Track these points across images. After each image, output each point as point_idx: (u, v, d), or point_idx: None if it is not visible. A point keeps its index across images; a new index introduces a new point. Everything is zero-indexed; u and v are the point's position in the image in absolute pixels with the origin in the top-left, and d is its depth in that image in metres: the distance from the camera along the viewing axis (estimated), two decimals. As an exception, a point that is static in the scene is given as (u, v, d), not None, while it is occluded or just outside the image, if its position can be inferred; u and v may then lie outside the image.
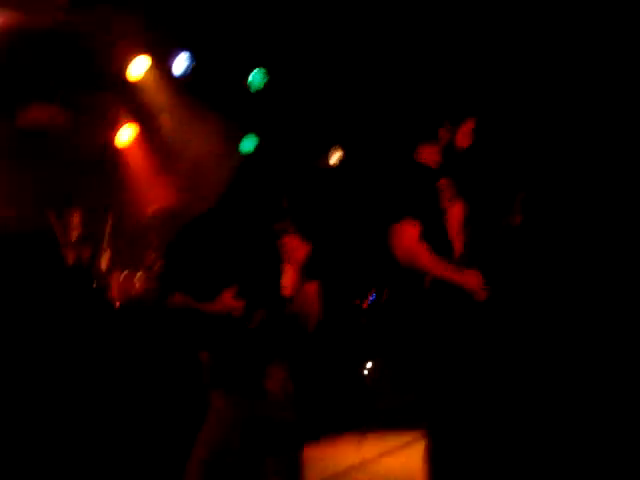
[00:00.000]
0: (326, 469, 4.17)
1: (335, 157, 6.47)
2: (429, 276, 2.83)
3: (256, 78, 5.94)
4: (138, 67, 5.53)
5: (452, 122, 2.95)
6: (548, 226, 4.25)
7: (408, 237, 2.79)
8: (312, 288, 3.03)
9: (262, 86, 6.01)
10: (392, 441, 4.53)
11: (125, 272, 5.13)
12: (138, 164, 5.78)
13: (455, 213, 3.01)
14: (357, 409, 5.23)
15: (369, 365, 5.84)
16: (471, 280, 2.82)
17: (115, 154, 5.84)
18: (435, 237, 2.89)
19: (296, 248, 3.02)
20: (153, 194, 5.80)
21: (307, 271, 3.04)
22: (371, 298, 6.24)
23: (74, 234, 5.57)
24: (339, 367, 5.64)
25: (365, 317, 6.07)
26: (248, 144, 6.13)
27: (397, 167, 3.09)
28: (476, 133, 3.04)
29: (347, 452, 4.47)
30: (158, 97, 5.67)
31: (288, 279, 3.00)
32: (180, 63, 5.64)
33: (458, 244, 2.97)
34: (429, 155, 3.02)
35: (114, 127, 5.75)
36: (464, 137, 2.99)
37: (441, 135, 2.97)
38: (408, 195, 2.91)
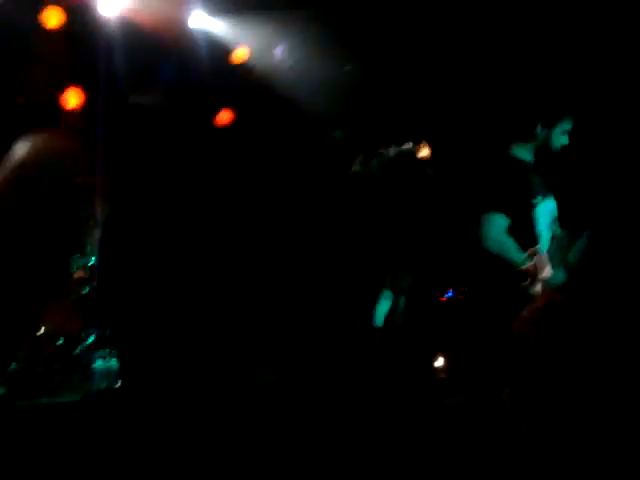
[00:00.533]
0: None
1: (424, 151, 6.49)
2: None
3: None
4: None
5: (547, 124, 2.99)
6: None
7: (495, 228, 2.89)
8: None
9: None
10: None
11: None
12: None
13: (544, 209, 3.05)
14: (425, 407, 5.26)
15: (440, 361, 5.85)
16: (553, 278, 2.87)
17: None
18: (522, 231, 2.97)
19: None
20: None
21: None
22: (449, 293, 6.26)
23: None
24: (410, 361, 5.68)
25: (443, 312, 6.09)
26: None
27: (490, 160, 3.15)
28: (572, 136, 3.06)
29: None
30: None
31: None
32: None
33: (546, 238, 3.03)
34: (521, 152, 3.08)
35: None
36: (559, 138, 3.02)
37: (536, 135, 3.02)
38: (499, 187, 2.98)
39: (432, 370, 5.87)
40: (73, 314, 4.67)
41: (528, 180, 3.02)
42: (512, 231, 2.93)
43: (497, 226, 2.90)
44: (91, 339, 4.85)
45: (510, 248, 2.90)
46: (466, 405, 5.30)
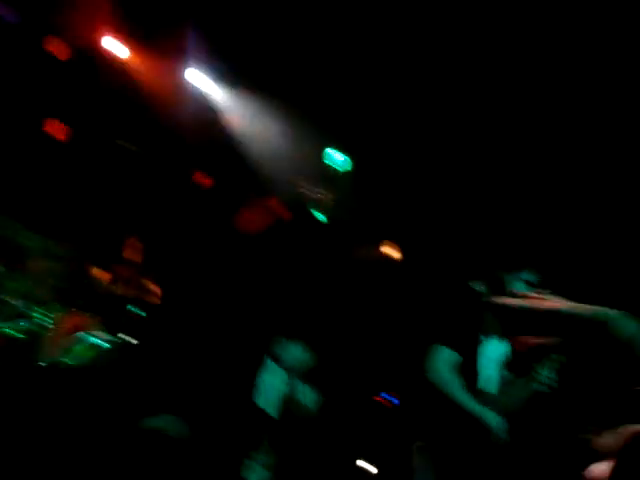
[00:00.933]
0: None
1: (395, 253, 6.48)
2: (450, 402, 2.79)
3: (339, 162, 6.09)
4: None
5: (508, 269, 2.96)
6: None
7: (441, 361, 2.81)
8: None
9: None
10: None
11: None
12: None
13: (493, 349, 2.97)
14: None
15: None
16: (491, 421, 2.76)
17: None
18: (467, 366, 2.87)
19: None
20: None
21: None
22: (391, 399, 6.13)
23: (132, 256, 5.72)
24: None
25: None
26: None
27: (444, 289, 3.11)
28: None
29: None
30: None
31: None
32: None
33: (493, 378, 2.93)
34: (477, 286, 3.03)
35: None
36: (516, 284, 2.97)
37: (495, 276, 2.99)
38: (452, 318, 2.91)
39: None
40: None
41: (481, 315, 2.95)
42: (460, 367, 2.85)
43: (443, 360, 2.82)
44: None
45: (453, 385, 2.79)
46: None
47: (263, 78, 5.42)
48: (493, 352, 2.97)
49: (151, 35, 5.29)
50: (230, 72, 5.60)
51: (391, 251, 6.18)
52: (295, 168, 5.88)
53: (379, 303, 5.78)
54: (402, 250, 6.16)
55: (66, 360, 4.56)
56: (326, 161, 6.09)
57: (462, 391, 2.78)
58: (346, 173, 6.17)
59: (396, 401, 6.20)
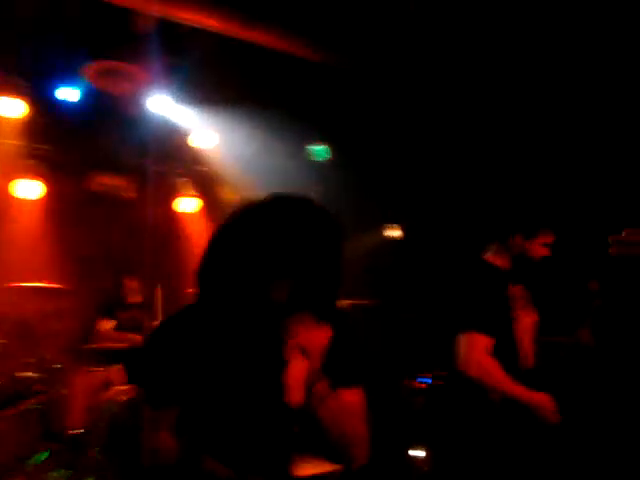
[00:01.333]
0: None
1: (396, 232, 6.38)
2: (497, 393, 2.67)
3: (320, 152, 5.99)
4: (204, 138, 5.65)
5: (526, 235, 2.83)
6: (623, 344, 4.01)
7: (479, 350, 2.66)
8: (354, 397, 1.80)
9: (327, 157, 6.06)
10: None
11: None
12: (197, 234, 5.83)
13: (526, 323, 2.86)
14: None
15: (419, 453, 5.56)
16: (543, 402, 2.65)
17: (176, 223, 5.92)
18: (503, 348, 2.75)
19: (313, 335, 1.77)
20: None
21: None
22: (425, 380, 6.02)
23: (133, 298, 5.61)
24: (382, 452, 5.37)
25: (420, 398, 5.84)
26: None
27: (466, 266, 2.96)
28: (552, 247, 2.89)
29: None
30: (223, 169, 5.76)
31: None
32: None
33: (528, 357, 2.81)
34: (498, 259, 2.89)
35: (177, 196, 5.87)
36: (538, 249, 2.85)
37: (512, 244, 2.85)
38: (478, 299, 2.78)
39: (409, 462, 5.58)
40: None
41: (508, 290, 2.83)
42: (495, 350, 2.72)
43: (478, 348, 2.68)
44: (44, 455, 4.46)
45: (493, 373, 2.67)
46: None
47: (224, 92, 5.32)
48: (525, 327, 2.87)
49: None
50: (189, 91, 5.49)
51: (394, 233, 6.10)
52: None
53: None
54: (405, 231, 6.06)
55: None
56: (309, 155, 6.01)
57: (507, 379, 2.67)
58: (328, 161, 6.09)
59: (429, 380, 6.09)
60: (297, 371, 1.69)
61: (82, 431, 4.60)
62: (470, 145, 5.20)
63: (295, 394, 1.70)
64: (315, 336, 1.69)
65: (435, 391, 5.92)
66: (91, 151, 5.33)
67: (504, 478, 2.68)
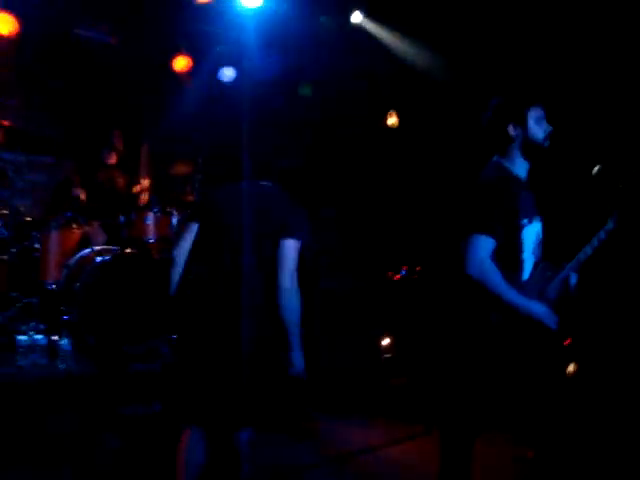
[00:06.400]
0: (332, 447, 4.12)
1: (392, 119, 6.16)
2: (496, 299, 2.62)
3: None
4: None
5: (515, 118, 2.69)
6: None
7: (483, 252, 2.58)
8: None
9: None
10: (400, 430, 4.43)
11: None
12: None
13: (532, 232, 2.77)
14: (370, 386, 5.12)
15: (387, 341, 5.69)
16: (542, 312, 2.62)
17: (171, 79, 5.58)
18: (506, 255, 2.67)
19: None
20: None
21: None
22: (402, 272, 6.07)
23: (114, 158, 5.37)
24: (356, 339, 5.48)
25: (395, 290, 5.91)
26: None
27: (481, 164, 2.83)
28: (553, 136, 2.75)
29: (355, 434, 4.37)
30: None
31: None
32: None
33: (529, 264, 2.75)
34: (511, 158, 2.76)
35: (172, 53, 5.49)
36: (536, 129, 2.71)
37: (512, 136, 2.71)
38: (490, 202, 2.67)
39: (378, 349, 5.72)
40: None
41: (518, 199, 2.72)
42: (497, 255, 2.65)
43: (483, 249, 2.60)
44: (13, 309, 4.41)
45: (494, 276, 2.60)
46: (410, 385, 5.25)
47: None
48: (530, 236, 2.78)
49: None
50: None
51: (395, 121, 5.88)
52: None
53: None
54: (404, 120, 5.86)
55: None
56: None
57: (506, 284, 2.61)
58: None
59: (403, 272, 6.14)
60: None
61: (55, 287, 4.54)
62: None
63: None
64: None
65: (409, 284, 6.01)
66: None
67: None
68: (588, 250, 2.75)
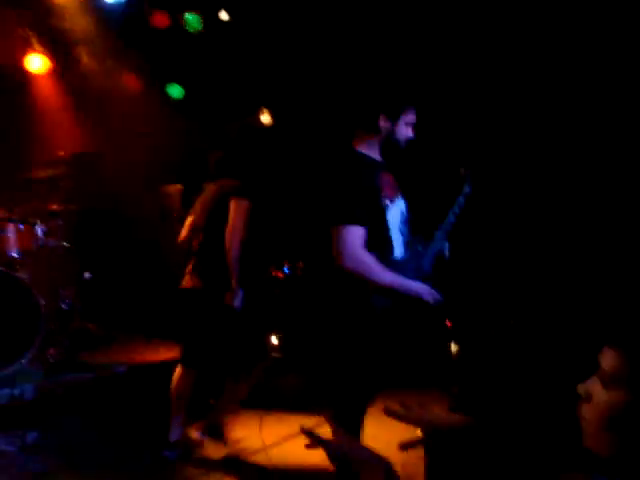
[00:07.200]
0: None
1: (266, 117, 6.13)
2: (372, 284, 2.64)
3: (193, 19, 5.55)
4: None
5: (390, 114, 2.73)
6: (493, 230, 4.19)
7: (352, 242, 2.59)
8: None
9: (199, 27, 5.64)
10: (293, 425, 4.40)
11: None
12: (47, 97, 5.19)
13: (396, 212, 2.83)
14: (261, 385, 5.04)
15: (274, 340, 5.65)
16: (422, 289, 2.67)
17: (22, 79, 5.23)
18: (376, 239, 2.71)
19: None
20: (61, 132, 5.26)
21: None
22: (285, 269, 6.05)
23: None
24: (245, 337, 5.40)
25: (279, 288, 5.87)
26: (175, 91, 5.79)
27: (336, 154, 2.84)
28: (417, 127, 2.83)
29: (247, 432, 4.29)
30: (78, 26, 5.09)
31: None
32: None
33: (398, 243, 2.80)
34: (366, 147, 2.80)
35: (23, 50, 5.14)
36: (403, 130, 2.78)
37: (378, 127, 2.75)
38: (349, 190, 2.67)
39: (267, 349, 5.67)
40: None
41: (376, 180, 2.76)
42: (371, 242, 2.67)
43: (354, 239, 2.61)
44: None
45: (368, 264, 2.62)
46: (305, 386, 5.23)
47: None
48: (395, 215, 2.83)
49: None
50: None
51: (267, 119, 5.86)
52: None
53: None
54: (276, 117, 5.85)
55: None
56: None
57: (381, 268, 2.64)
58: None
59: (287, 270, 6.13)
60: None
61: None
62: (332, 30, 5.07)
63: None
64: None
65: (293, 281, 6.01)
66: None
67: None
68: (451, 217, 2.86)
